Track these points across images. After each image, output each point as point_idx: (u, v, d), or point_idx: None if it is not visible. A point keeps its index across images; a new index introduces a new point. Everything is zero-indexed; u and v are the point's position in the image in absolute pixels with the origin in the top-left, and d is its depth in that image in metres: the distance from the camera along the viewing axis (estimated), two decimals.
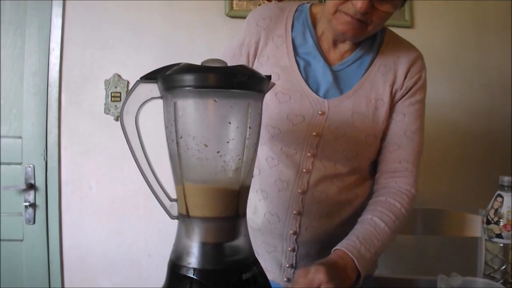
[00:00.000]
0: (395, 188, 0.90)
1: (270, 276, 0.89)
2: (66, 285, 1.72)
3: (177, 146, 0.57)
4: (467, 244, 1.27)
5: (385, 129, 0.92)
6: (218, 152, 0.57)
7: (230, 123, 0.57)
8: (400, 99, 0.92)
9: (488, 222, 0.90)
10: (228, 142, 0.57)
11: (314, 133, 0.88)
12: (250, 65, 0.91)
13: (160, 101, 0.59)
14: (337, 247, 0.79)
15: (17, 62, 1.69)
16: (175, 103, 0.56)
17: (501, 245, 0.88)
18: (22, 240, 1.70)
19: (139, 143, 0.60)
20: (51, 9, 1.68)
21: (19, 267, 1.70)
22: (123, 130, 0.60)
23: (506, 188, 0.89)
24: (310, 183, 0.88)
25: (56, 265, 1.71)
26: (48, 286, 1.71)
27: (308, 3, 0.95)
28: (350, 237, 0.81)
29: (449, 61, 1.81)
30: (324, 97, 0.88)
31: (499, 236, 0.88)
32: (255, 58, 0.91)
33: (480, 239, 1.16)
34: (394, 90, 0.91)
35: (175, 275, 0.57)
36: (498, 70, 1.83)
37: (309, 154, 0.88)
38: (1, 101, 1.69)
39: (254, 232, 0.91)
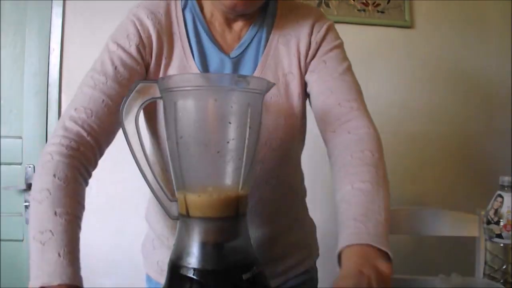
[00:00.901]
0: (351, 138, 0.74)
1: None
2: None
3: (177, 146, 0.57)
4: (467, 244, 1.27)
5: (309, 92, 0.82)
6: (218, 152, 0.57)
7: (230, 123, 0.57)
8: (314, 55, 0.82)
9: (488, 222, 0.90)
10: (228, 142, 0.57)
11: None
12: (140, 68, 0.77)
13: (160, 101, 0.59)
14: (341, 245, 0.60)
15: (17, 62, 1.69)
16: (175, 103, 0.56)
17: (501, 245, 0.89)
18: (22, 240, 1.70)
19: (139, 143, 0.60)
20: (51, 9, 1.68)
21: (19, 267, 1.70)
22: (123, 130, 0.60)
23: (506, 188, 0.89)
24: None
25: None
26: None
27: None
28: (347, 223, 0.63)
29: (449, 61, 1.81)
30: None
31: (499, 236, 0.88)
32: (151, 57, 0.78)
33: (477, 239, 1.16)
34: (301, 55, 0.81)
35: (175, 275, 0.57)
36: (498, 70, 1.83)
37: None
38: (1, 101, 1.69)
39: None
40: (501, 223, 0.88)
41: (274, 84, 0.63)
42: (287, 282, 0.88)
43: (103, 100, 0.74)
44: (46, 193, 0.65)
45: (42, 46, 1.69)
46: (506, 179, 0.89)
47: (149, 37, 0.77)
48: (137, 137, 0.60)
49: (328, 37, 0.83)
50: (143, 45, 0.77)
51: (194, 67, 0.78)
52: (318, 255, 0.98)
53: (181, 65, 0.77)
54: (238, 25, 0.82)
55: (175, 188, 0.60)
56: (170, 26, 0.79)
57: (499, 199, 0.89)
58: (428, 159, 1.79)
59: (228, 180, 0.58)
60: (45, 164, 0.71)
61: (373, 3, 1.74)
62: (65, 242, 0.61)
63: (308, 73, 0.82)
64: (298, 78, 0.81)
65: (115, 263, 1.73)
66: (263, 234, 0.83)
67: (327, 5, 1.74)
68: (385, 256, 0.60)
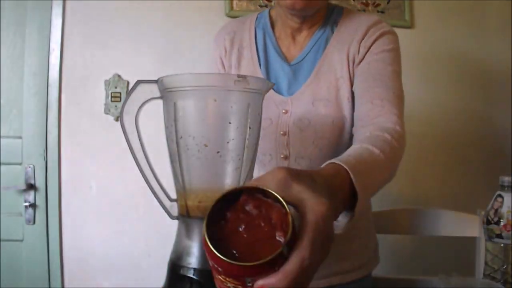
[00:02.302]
0: (373, 130, 0.72)
1: None
2: (66, 285, 1.72)
3: (177, 146, 0.57)
4: (467, 244, 1.27)
5: (355, 92, 0.85)
6: (218, 152, 0.57)
7: (230, 123, 0.57)
8: (362, 59, 0.85)
9: (488, 222, 0.90)
10: (228, 142, 0.57)
11: (281, 132, 0.88)
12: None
13: (160, 101, 0.59)
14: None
15: (17, 62, 1.69)
16: (175, 103, 0.56)
17: (501, 245, 0.89)
18: (22, 240, 1.70)
19: (139, 143, 0.60)
20: (51, 9, 1.68)
21: (19, 267, 1.70)
22: (123, 130, 0.60)
23: (506, 188, 0.89)
24: None
25: (56, 266, 1.71)
26: (48, 287, 1.71)
27: (267, 8, 0.98)
28: (340, 157, 0.57)
29: (449, 61, 1.81)
30: (288, 94, 0.89)
31: (499, 236, 0.88)
32: (224, 70, 0.96)
33: (478, 239, 1.16)
34: (350, 59, 0.86)
35: (175, 275, 0.57)
36: (498, 70, 1.83)
37: (282, 156, 0.88)
38: (1, 101, 1.69)
39: None
40: (501, 223, 0.88)
41: (273, 84, 0.63)
42: (340, 285, 0.91)
43: None
44: None
45: (42, 46, 1.69)
46: (506, 179, 0.89)
47: (224, 57, 0.96)
48: (137, 137, 0.60)
49: (379, 42, 0.85)
50: (221, 63, 0.96)
51: (258, 72, 0.91)
52: (377, 264, 1.01)
53: (249, 71, 0.91)
54: (302, 36, 0.91)
55: (175, 188, 0.60)
56: (241, 41, 0.95)
57: (499, 199, 0.89)
58: (428, 159, 1.79)
59: (228, 180, 0.58)
60: None
61: (373, 3, 1.74)
62: None
63: (355, 76, 0.85)
64: (347, 83, 0.86)
65: (115, 263, 1.73)
66: None
67: None
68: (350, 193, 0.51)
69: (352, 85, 0.86)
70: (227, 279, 0.39)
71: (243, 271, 0.37)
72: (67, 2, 1.69)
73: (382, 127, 0.72)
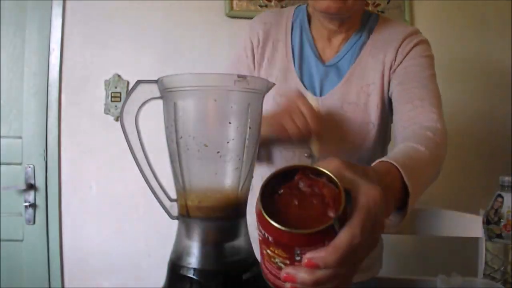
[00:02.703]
0: (415, 129, 0.76)
1: None
2: (66, 285, 1.72)
3: (177, 146, 0.57)
4: (467, 244, 1.27)
5: (392, 99, 0.87)
6: (218, 152, 0.56)
7: (230, 123, 0.57)
8: (398, 66, 0.88)
9: (488, 222, 0.90)
10: (228, 142, 0.57)
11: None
12: (253, 66, 0.94)
13: (160, 101, 0.59)
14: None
15: (17, 62, 1.69)
16: (175, 103, 0.56)
17: (501, 245, 0.89)
18: (22, 240, 1.70)
19: (139, 143, 0.60)
20: (51, 9, 1.68)
21: (19, 267, 1.70)
22: (123, 130, 0.60)
23: (506, 188, 0.89)
24: None
25: (56, 266, 1.71)
26: (48, 286, 1.71)
27: (305, 3, 0.97)
28: (388, 156, 0.58)
29: (449, 61, 1.81)
30: (320, 93, 0.90)
31: (499, 236, 0.88)
32: (254, 59, 0.94)
33: (480, 239, 1.16)
34: (386, 67, 0.88)
35: (175, 275, 0.57)
36: (498, 70, 1.83)
37: (306, 155, 0.89)
38: (1, 101, 1.69)
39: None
40: (501, 223, 0.88)
41: (274, 84, 0.63)
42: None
43: None
44: None
45: (42, 46, 1.69)
46: (506, 179, 0.89)
47: (257, 47, 0.94)
48: (137, 137, 0.60)
49: (416, 49, 0.88)
50: (252, 50, 0.95)
51: (292, 68, 0.91)
52: (380, 268, 1.03)
53: (283, 66, 0.91)
54: (338, 39, 0.92)
55: (175, 188, 0.60)
56: (277, 34, 0.94)
57: (499, 199, 0.89)
58: None
59: (228, 180, 0.58)
60: None
61: (373, 3, 1.74)
62: None
63: (391, 81, 0.88)
64: (379, 89, 0.87)
65: (115, 263, 1.73)
66: None
67: None
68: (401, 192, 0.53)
69: (383, 92, 0.88)
70: (276, 251, 0.39)
71: (294, 239, 0.38)
72: (67, 2, 1.69)
73: (424, 125, 0.76)
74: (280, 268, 0.40)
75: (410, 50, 0.88)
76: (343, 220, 0.38)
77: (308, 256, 0.37)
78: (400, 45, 0.88)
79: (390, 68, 0.88)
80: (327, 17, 0.87)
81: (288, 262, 0.39)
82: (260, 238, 0.41)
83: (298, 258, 0.39)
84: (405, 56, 0.88)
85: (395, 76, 0.87)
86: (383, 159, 0.54)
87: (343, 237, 0.37)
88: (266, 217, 0.38)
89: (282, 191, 0.41)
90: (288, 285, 0.39)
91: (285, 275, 0.39)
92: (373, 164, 0.53)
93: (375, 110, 0.88)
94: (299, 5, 0.97)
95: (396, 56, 0.88)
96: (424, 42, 0.90)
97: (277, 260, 0.40)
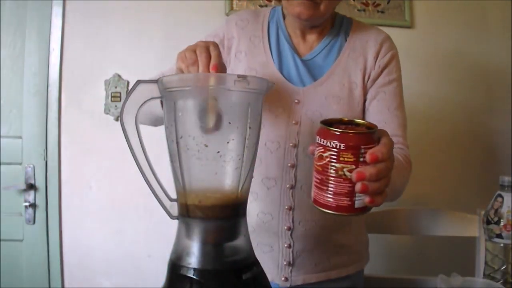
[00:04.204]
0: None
1: (268, 277, 0.89)
2: (66, 285, 1.72)
3: (177, 146, 0.57)
4: (467, 244, 1.27)
5: (366, 110, 0.95)
6: (218, 152, 0.57)
7: (230, 123, 0.57)
8: (377, 78, 0.94)
9: (488, 222, 0.90)
10: (228, 142, 0.57)
11: (293, 122, 0.90)
12: (223, 57, 0.95)
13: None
14: None
15: (17, 62, 1.69)
16: (175, 103, 0.56)
17: (501, 245, 0.89)
18: (22, 240, 1.70)
19: (139, 143, 0.60)
20: (51, 9, 1.68)
21: (19, 267, 1.70)
22: (123, 130, 0.60)
23: (506, 188, 0.89)
24: (297, 177, 0.90)
25: (56, 265, 1.71)
26: (48, 286, 1.71)
27: (280, 5, 1.02)
28: None
29: (449, 61, 1.81)
30: (301, 85, 0.93)
31: (499, 236, 0.89)
32: (229, 51, 0.98)
33: (478, 239, 1.16)
34: (366, 73, 0.94)
35: (175, 275, 0.57)
36: (498, 70, 1.83)
37: (291, 145, 0.90)
38: (1, 101, 1.69)
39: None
40: (501, 223, 0.88)
41: (273, 84, 0.63)
42: (330, 281, 0.94)
43: None
44: None
45: (42, 46, 1.69)
46: (506, 179, 0.89)
47: (231, 38, 0.98)
48: (137, 137, 0.60)
49: (390, 66, 0.95)
50: (222, 45, 0.98)
51: (271, 63, 0.95)
52: (367, 261, 1.04)
53: (261, 60, 0.95)
54: (311, 37, 0.97)
55: (175, 188, 0.60)
56: (254, 31, 0.98)
57: (499, 199, 0.89)
58: (428, 159, 1.79)
59: (228, 180, 0.58)
60: None
61: (373, 3, 1.74)
62: None
63: (369, 96, 0.95)
64: (360, 89, 0.93)
65: (115, 263, 1.73)
66: (315, 227, 0.91)
67: None
68: None
69: (364, 94, 0.94)
70: (346, 158, 0.52)
71: (361, 139, 0.53)
72: (67, 2, 1.68)
73: (396, 140, 0.85)
74: (346, 179, 0.53)
75: (386, 66, 0.94)
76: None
77: (370, 151, 0.53)
78: (378, 54, 0.94)
79: (369, 75, 0.94)
80: (298, 21, 0.92)
81: (354, 166, 0.52)
82: (323, 162, 0.54)
83: (361, 160, 0.52)
84: (382, 70, 0.94)
85: (373, 94, 0.94)
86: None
87: (385, 138, 0.55)
88: (333, 129, 0.53)
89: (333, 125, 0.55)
90: (359, 185, 0.52)
91: (357, 174, 0.52)
92: None
93: (357, 105, 0.93)
94: (275, 6, 1.03)
95: (374, 66, 0.94)
96: (396, 55, 0.97)
97: (344, 169, 0.53)
